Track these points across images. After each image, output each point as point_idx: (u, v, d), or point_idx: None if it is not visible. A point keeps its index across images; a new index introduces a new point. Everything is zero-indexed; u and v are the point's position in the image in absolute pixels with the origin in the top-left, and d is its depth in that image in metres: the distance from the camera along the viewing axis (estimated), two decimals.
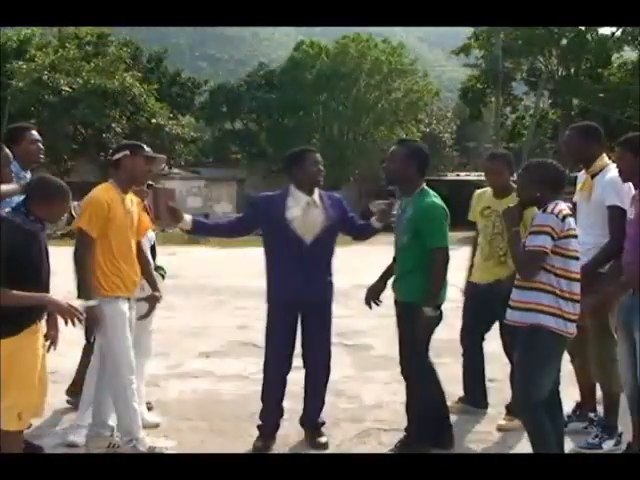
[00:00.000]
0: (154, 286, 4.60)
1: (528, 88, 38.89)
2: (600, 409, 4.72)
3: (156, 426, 4.89)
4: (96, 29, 35.10)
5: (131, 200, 4.41)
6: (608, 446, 4.44)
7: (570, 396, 4.77)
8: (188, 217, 4.54)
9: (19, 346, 3.41)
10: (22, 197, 3.64)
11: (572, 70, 36.52)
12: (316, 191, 4.57)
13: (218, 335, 8.02)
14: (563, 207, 3.74)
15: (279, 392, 4.59)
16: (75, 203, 4.48)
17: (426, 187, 4.43)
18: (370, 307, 4.70)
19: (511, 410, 4.90)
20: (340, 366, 5.00)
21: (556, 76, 36.70)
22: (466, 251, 5.38)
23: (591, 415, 4.77)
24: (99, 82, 31.16)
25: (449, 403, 4.75)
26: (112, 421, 4.37)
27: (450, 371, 5.10)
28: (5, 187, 3.89)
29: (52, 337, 3.65)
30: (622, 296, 4.09)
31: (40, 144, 4.68)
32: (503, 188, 4.97)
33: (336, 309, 4.72)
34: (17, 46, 35.40)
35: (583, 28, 33.89)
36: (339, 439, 4.73)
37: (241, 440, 4.67)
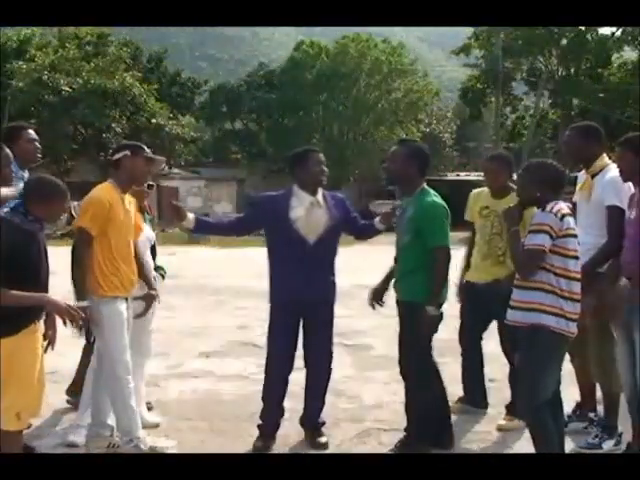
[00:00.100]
0: (150, 285, 4.62)
1: (528, 88, 38.92)
2: (600, 409, 4.72)
3: (156, 426, 4.89)
4: (96, 29, 35.10)
5: (129, 201, 4.43)
6: (608, 446, 4.43)
7: (570, 396, 4.77)
8: (191, 215, 4.55)
9: (18, 346, 3.41)
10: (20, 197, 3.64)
11: (572, 70, 36.54)
12: (319, 191, 4.57)
13: (218, 335, 8.02)
14: (562, 206, 3.74)
15: (280, 392, 4.59)
16: (75, 203, 4.49)
17: (427, 187, 4.44)
18: (374, 308, 4.70)
19: (511, 410, 4.91)
20: (340, 366, 5.00)
21: (556, 76, 36.72)
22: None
23: (591, 415, 4.77)
24: (99, 82, 31.17)
25: (449, 403, 4.75)
26: (111, 421, 4.37)
27: (450, 371, 5.10)
28: (4, 191, 3.87)
29: (50, 337, 3.65)
30: (623, 297, 4.10)
31: (37, 143, 4.67)
32: (501, 188, 4.98)
33: (336, 309, 4.72)
34: (17, 46, 35.42)
35: (583, 28, 33.91)
36: (339, 439, 4.73)
37: (241, 440, 4.67)
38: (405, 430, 4.48)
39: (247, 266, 14.18)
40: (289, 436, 4.69)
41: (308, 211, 4.48)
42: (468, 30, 37.98)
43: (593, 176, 4.53)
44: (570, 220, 3.75)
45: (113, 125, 31.54)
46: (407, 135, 34.66)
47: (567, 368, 4.37)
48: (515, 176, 4.46)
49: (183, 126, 35.91)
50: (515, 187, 4.74)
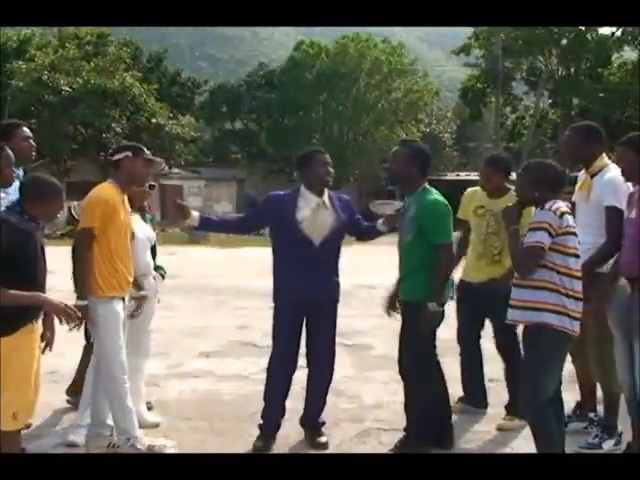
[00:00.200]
0: (138, 286, 4.65)
1: (528, 88, 38.92)
2: (600, 409, 4.72)
3: (156, 426, 4.89)
4: (96, 29, 35.08)
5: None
6: (608, 446, 4.43)
7: (570, 396, 4.77)
8: (196, 214, 4.55)
9: (15, 345, 3.40)
10: (17, 197, 3.63)
11: (572, 70, 36.53)
12: (326, 192, 4.58)
13: (218, 335, 8.02)
14: (561, 205, 3.74)
15: (283, 392, 4.59)
16: (75, 203, 4.49)
17: (428, 186, 4.45)
18: (389, 315, 4.67)
19: (511, 410, 4.91)
20: (340, 366, 4.99)
21: (556, 76, 36.71)
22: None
23: (591, 415, 4.77)
24: (99, 82, 31.14)
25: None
26: (111, 420, 4.37)
27: (450, 371, 5.09)
28: None
29: (48, 339, 3.64)
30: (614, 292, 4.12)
31: (32, 141, 4.63)
32: (495, 189, 5.01)
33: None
34: (17, 46, 35.42)
35: (583, 28, 33.90)
36: (339, 439, 4.73)
37: (241, 440, 4.67)
38: (405, 430, 4.48)
39: (247, 266, 14.19)
40: (289, 436, 4.69)
41: (314, 212, 4.49)
42: (468, 30, 37.98)
43: (592, 176, 4.53)
44: (569, 218, 3.75)
45: (113, 125, 31.52)
46: (407, 135, 34.65)
47: (568, 368, 4.37)
48: (514, 176, 4.46)
49: (183, 126, 35.88)
50: (511, 187, 4.77)
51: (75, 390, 5.07)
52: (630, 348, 4.04)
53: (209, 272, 14.17)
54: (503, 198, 4.86)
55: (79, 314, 3.54)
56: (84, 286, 4.17)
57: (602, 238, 4.34)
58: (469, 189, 5.32)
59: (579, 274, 3.77)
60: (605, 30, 38.44)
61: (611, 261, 4.28)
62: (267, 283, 4.73)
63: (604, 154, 4.59)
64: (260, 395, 4.67)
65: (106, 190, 4.29)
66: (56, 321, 3.57)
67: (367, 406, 5.46)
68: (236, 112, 44.24)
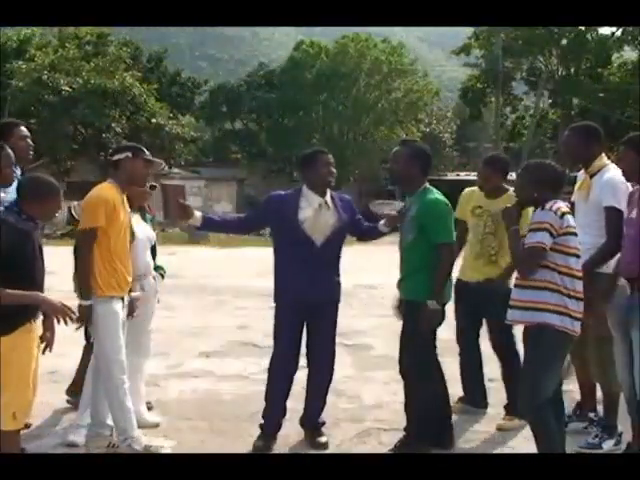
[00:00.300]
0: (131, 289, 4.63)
1: (528, 88, 38.93)
2: (600, 409, 4.72)
3: (156, 426, 4.89)
4: (96, 29, 35.08)
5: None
6: (608, 446, 4.44)
7: (570, 396, 4.77)
8: (198, 214, 4.55)
9: (14, 345, 3.40)
10: (14, 196, 3.63)
11: (572, 70, 36.54)
12: (328, 192, 4.58)
13: (218, 335, 8.02)
14: (561, 205, 3.74)
15: (284, 391, 4.59)
16: (75, 203, 4.48)
17: (429, 186, 4.45)
18: (400, 317, 4.64)
19: (510, 410, 4.91)
20: (340, 366, 4.99)
21: (556, 76, 36.73)
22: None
23: (591, 415, 4.77)
24: (99, 82, 31.13)
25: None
26: (110, 420, 4.37)
27: (450, 371, 5.09)
28: None
29: (48, 340, 3.64)
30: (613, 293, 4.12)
31: (29, 140, 4.62)
32: (493, 189, 5.01)
33: None
34: (17, 46, 35.42)
35: (583, 28, 33.92)
36: (339, 439, 4.73)
37: (241, 440, 4.67)
38: (405, 430, 4.48)
39: (247, 266, 14.19)
40: (289, 436, 4.69)
41: (316, 212, 4.49)
42: (468, 30, 37.99)
43: (591, 176, 4.53)
44: (570, 218, 3.75)
45: (113, 125, 31.51)
46: (407, 135, 34.65)
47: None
48: (514, 176, 4.47)
49: (183, 126, 35.87)
50: (509, 187, 4.78)
51: (75, 390, 5.07)
52: (630, 348, 4.04)
53: (209, 272, 14.17)
54: (501, 198, 4.88)
55: (77, 314, 3.53)
56: (87, 286, 4.18)
57: (601, 238, 4.34)
58: (467, 189, 5.33)
59: (580, 274, 3.77)
60: (605, 30, 38.52)
61: (613, 261, 4.28)
62: (267, 283, 4.73)
63: (603, 154, 4.60)
64: (260, 395, 4.67)
65: (106, 190, 4.29)
66: (56, 321, 3.57)
67: (367, 406, 5.46)
68: (236, 112, 44.27)
